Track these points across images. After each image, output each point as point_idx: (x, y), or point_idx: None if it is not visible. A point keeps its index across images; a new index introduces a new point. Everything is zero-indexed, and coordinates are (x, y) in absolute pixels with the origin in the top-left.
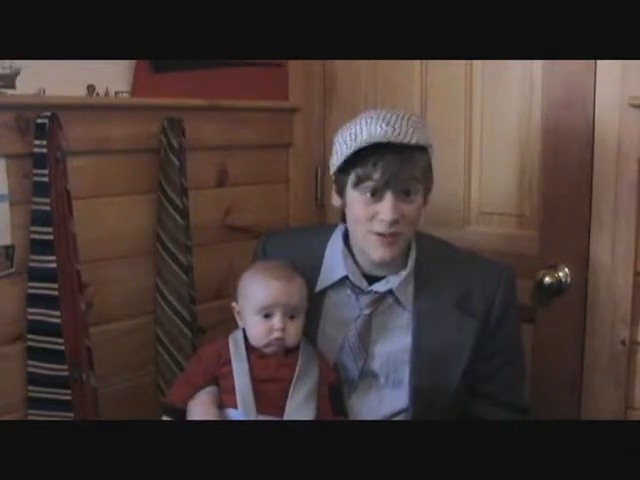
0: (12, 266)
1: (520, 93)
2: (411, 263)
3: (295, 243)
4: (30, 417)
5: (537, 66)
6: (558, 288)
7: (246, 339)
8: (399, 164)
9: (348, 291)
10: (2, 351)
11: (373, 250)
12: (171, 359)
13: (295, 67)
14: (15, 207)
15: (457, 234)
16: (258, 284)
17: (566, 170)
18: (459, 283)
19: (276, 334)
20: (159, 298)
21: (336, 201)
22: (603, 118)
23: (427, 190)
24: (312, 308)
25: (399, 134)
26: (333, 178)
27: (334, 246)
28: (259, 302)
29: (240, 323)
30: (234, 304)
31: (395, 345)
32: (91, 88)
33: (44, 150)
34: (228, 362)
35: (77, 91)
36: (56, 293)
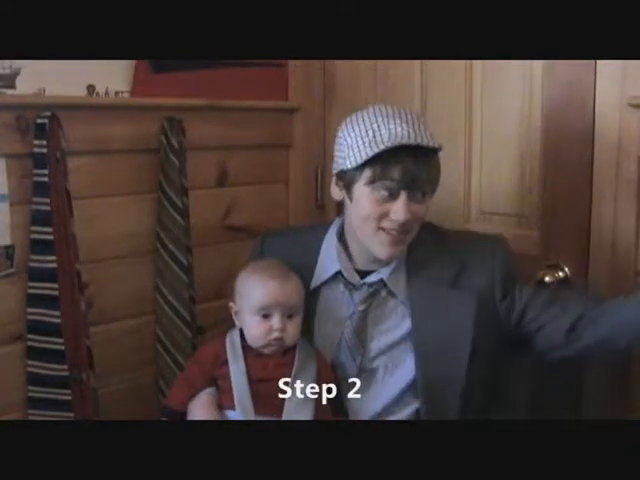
0: (12, 266)
1: (520, 93)
2: (403, 253)
3: (292, 242)
4: (30, 417)
5: (537, 66)
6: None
7: (243, 339)
8: (417, 167)
9: (342, 287)
10: (2, 351)
11: (380, 248)
12: (171, 359)
13: (295, 67)
14: (15, 207)
15: None
16: (256, 284)
17: (566, 170)
18: (451, 264)
19: (275, 334)
20: (159, 298)
21: (337, 194)
22: (603, 118)
23: (435, 188)
24: (307, 306)
25: (422, 136)
26: (336, 172)
27: (329, 243)
28: (257, 302)
29: (238, 323)
30: (231, 304)
31: (392, 337)
32: (91, 88)
33: (44, 150)
34: (225, 363)
35: (77, 91)
36: (56, 293)
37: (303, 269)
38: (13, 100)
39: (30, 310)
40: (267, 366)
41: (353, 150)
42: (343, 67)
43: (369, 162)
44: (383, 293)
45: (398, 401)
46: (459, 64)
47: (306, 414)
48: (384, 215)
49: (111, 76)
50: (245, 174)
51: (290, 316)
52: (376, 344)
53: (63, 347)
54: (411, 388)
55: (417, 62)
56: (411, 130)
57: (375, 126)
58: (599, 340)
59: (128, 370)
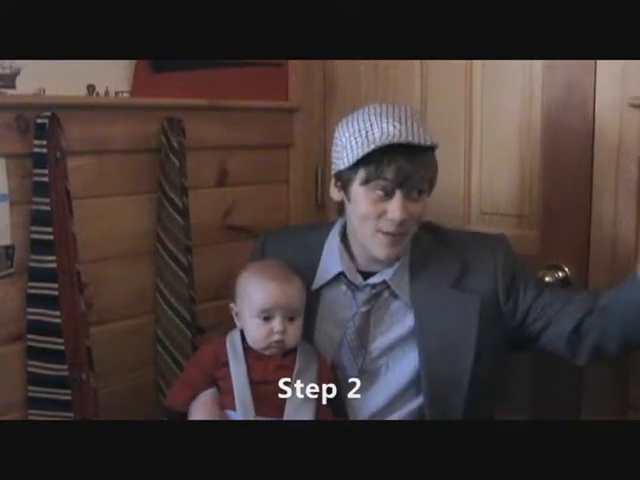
0: (12, 266)
1: (520, 93)
2: (405, 253)
3: (293, 242)
4: (30, 417)
5: (537, 66)
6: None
7: (243, 340)
8: (412, 165)
9: (344, 288)
10: (2, 351)
11: (379, 249)
12: (171, 359)
13: (295, 67)
14: (15, 207)
15: None
16: (257, 286)
17: (566, 170)
18: (453, 264)
19: (276, 337)
20: (159, 298)
21: (336, 195)
22: (603, 118)
23: (432, 186)
24: (309, 307)
25: (413, 135)
26: (334, 172)
27: (331, 243)
28: (259, 304)
29: (238, 324)
30: (232, 305)
31: (393, 337)
32: (91, 88)
33: (44, 150)
34: (226, 364)
35: (77, 91)
36: (56, 293)
37: (305, 270)
38: (13, 100)
39: (30, 310)
40: (267, 368)
41: (347, 150)
42: (343, 67)
43: (363, 162)
44: (386, 294)
45: (400, 398)
46: (459, 64)
47: (307, 415)
48: (381, 215)
49: (111, 76)
50: (245, 174)
51: (291, 318)
52: (378, 345)
53: (63, 347)
54: (413, 385)
55: (417, 62)
56: (403, 128)
57: (368, 125)
58: (606, 333)
59: (128, 370)
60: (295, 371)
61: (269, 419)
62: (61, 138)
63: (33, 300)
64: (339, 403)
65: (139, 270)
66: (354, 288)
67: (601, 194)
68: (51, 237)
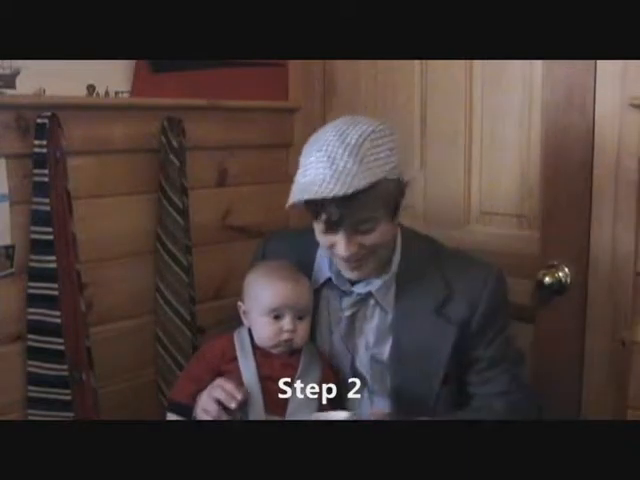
0: (12, 266)
1: (520, 93)
2: (394, 267)
3: (293, 245)
4: (30, 417)
5: (537, 66)
6: (558, 288)
7: (251, 337)
8: (344, 210)
9: (334, 293)
10: (2, 351)
11: (344, 270)
12: (171, 359)
13: (295, 67)
14: (15, 207)
15: (457, 234)
16: (267, 285)
17: (566, 170)
18: (441, 286)
19: (286, 335)
20: (159, 298)
21: None
22: (603, 118)
23: (395, 210)
24: None
25: (338, 182)
26: None
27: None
28: (269, 303)
29: (246, 322)
30: (240, 303)
31: (379, 348)
32: (91, 88)
33: (44, 150)
34: (233, 359)
35: (77, 91)
36: (56, 293)
37: (303, 272)
38: (13, 100)
39: (30, 310)
40: (274, 365)
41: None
42: (343, 67)
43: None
44: (372, 301)
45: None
46: (459, 64)
47: (309, 414)
48: (332, 246)
49: (111, 76)
50: (245, 174)
51: (300, 317)
52: (364, 351)
53: (63, 347)
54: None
55: (417, 62)
56: (329, 175)
57: (306, 162)
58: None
59: (128, 370)
60: (299, 370)
61: (274, 417)
62: (61, 138)
63: (33, 300)
64: (339, 404)
65: (139, 270)
66: (342, 294)
67: (601, 194)
68: (51, 237)
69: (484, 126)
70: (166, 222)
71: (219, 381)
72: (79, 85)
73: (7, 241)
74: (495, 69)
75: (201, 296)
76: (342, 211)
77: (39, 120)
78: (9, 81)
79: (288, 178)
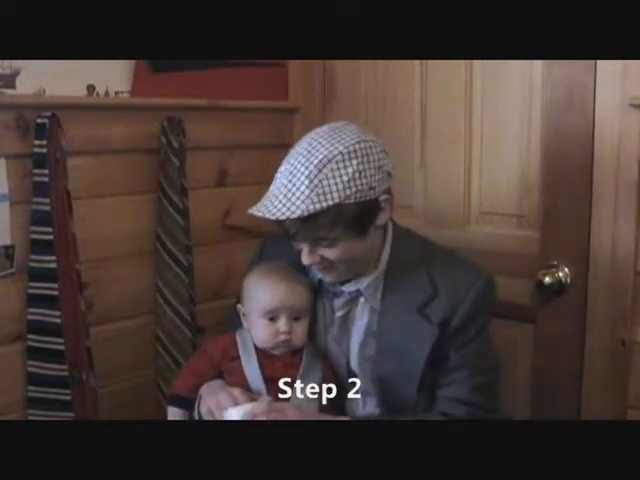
0: (12, 266)
1: (520, 93)
2: (382, 265)
3: (289, 247)
4: (30, 417)
5: (537, 66)
6: (558, 288)
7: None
8: (300, 225)
9: (327, 293)
10: (2, 351)
11: (318, 273)
12: (171, 359)
13: (295, 67)
14: (15, 207)
15: (457, 234)
16: (263, 287)
17: (566, 170)
18: (427, 287)
19: (282, 337)
20: (159, 298)
21: None
22: (603, 118)
23: (361, 229)
24: None
25: (285, 205)
26: None
27: None
28: (264, 305)
29: (246, 324)
30: (239, 306)
31: (368, 347)
32: (91, 88)
33: (44, 150)
34: (235, 358)
35: (77, 91)
36: (56, 293)
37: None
38: (13, 100)
39: (30, 310)
40: (276, 366)
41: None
42: (343, 67)
43: None
44: (361, 300)
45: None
46: (459, 64)
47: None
48: (299, 252)
49: (111, 76)
50: (245, 174)
51: (297, 318)
52: (358, 351)
53: (63, 347)
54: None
55: (417, 62)
56: (282, 195)
57: (280, 169)
58: None
59: (128, 370)
60: (301, 370)
61: (268, 420)
62: (61, 138)
63: (33, 300)
64: (339, 403)
65: (139, 270)
66: (333, 295)
67: (601, 194)
68: (51, 237)
69: (484, 126)
70: (166, 222)
71: (233, 391)
72: (79, 85)
73: (7, 241)
74: (495, 69)
75: (201, 296)
76: (298, 228)
77: (39, 120)
78: (9, 81)
79: None
